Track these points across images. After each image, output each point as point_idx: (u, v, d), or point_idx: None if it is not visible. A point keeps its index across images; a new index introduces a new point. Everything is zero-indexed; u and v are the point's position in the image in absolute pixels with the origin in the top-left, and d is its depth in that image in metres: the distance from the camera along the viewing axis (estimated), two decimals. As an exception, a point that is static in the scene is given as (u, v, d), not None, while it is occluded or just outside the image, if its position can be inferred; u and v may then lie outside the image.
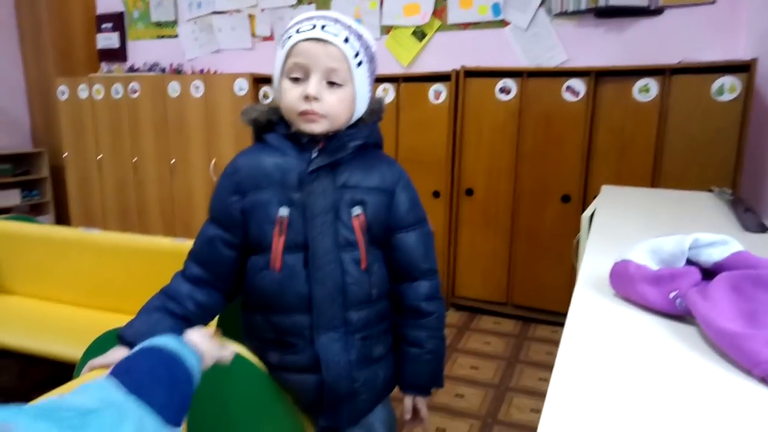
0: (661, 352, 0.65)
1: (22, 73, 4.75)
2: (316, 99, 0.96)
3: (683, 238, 0.80)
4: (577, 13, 3.15)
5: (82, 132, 4.27)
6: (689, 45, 2.95)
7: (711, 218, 1.48)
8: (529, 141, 3.00)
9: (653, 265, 0.81)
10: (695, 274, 0.74)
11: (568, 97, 2.87)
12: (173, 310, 1.00)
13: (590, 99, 2.82)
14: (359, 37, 0.99)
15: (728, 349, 0.61)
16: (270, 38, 4.09)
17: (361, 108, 1.03)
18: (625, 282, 0.82)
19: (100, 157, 4.24)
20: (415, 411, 1.14)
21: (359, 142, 1.02)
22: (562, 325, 0.74)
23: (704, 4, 2.92)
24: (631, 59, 3.01)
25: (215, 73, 4.13)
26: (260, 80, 3.70)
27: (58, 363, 1.95)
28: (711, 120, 2.62)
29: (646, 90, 2.72)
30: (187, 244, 1.99)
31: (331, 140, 1.01)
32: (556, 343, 0.71)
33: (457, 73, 3.10)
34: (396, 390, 1.16)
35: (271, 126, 1.04)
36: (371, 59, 1.03)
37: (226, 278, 1.05)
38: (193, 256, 1.06)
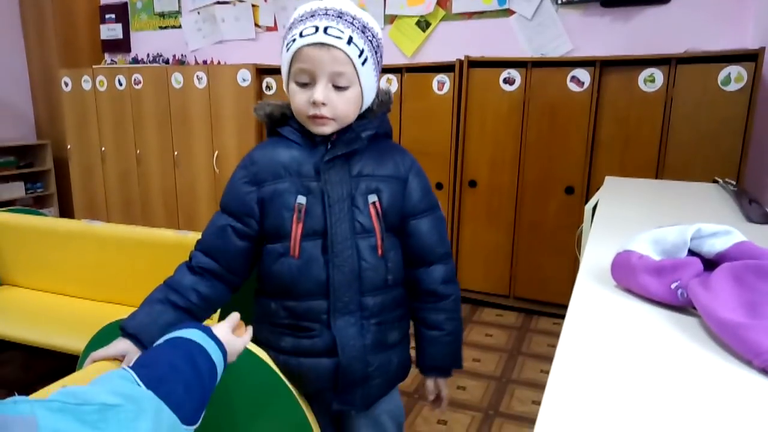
0: (663, 343, 0.65)
1: (26, 64, 4.75)
2: (324, 104, 0.97)
3: (685, 229, 0.79)
4: (583, 2, 3.13)
5: (86, 124, 4.27)
6: (696, 34, 2.92)
7: (715, 209, 1.47)
8: (533, 132, 2.98)
9: (655, 256, 0.80)
10: (697, 265, 0.73)
11: (572, 87, 2.85)
12: (176, 302, 1.00)
13: (595, 89, 2.79)
14: (363, 29, 0.98)
15: (729, 340, 0.61)
16: (273, 28, 4.07)
17: (368, 99, 1.04)
18: (626, 273, 0.81)
19: (103, 149, 4.24)
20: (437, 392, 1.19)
21: (371, 132, 1.05)
22: (564, 317, 0.73)
23: (711, -7, 2.88)
24: (637, 49, 2.98)
25: (218, 63, 4.12)
26: (263, 71, 3.69)
27: (61, 355, 1.96)
28: (717, 110, 2.59)
29: (652, 80, 2.69)
30: (190, 236, 2.01)
31: (344, 132, 1.03)
32: (558, 335, 0.70)
33: (461, 63, 3.08)
34: (402, 383, 1.18)
35: (285, 120, 1.06)
36: (377, 50, 1.02)
37: (233, 269, 1.06)
38: (202, 245, 1.06)
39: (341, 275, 1.00)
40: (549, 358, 2.58)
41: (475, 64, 3.06)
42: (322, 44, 0.94)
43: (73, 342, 1.93)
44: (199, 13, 4.31)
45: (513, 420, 2.10)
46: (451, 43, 3.50)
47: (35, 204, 4.68)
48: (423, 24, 3.59)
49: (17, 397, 0.56)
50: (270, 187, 1.02)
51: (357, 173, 1.03)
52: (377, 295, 1.05)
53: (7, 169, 4.50)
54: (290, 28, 0.99)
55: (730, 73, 2.54)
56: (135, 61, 4.49)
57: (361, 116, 1.05)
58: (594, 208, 1.52)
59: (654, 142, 2.73)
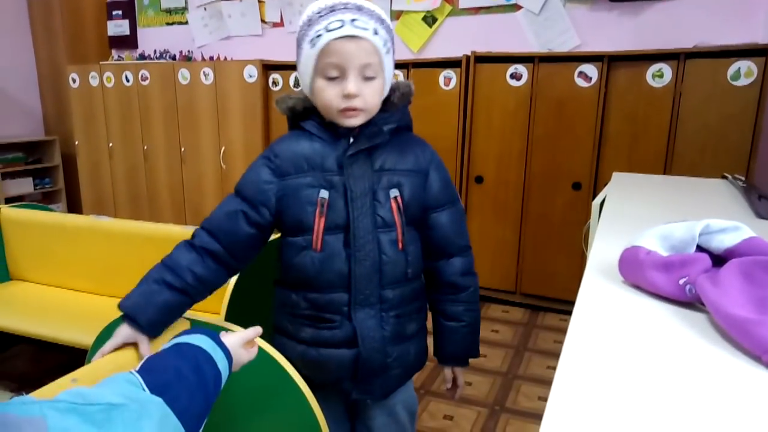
0: (670, 340, 0.64)
1: (34, 61, 4.77)
2: (357, 96, 0.97)
3: (694, 224, 0.78)
4: (590, -3, 3.10)
5: (93, 120, 4.29)
6: (705, 29, 2.89)
7: (723, 205, 1.46)
8: (540, 128, 2.96)
9: (663, 252, 0.79)
10: (705, 261, 0.73)
11: (580, 82, 2.83)
12: (171, 283, 1.00)
13: (603, 84, 2.78)
14: (382, 21, 1.00)
15: (738, 336, 0.60)
16: (280, 24, 4.07)
17: (387, 89, 1.05)
18: (634, 268, 0.80)
19: (110, 145, 4.26)
20: (454, 380, 1.22)
21: (393, 125, 1.06)
22: (571, 313, 0.73)
23: (721, -13, 2.85)
24: (645, 44, 2.95)
25: (225, 59, 4.12)
26: (270, 67, 3.69)
27: (70, 349, 1.98)
28: (726, 105, 2.57)
29: (660, 75, 2.67)
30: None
31: (366, 126, 1.03)
32: (564, 331, 0.70)
33: (468, 58, 3.07)
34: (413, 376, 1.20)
35: (307, 114, 1.06)
36: (392, 40, 1.05)
37: (236, 253, 1.05)
38: (209, 224, 1.06)
39: (362, 269, 1.02)
40: (555, 354, 2.57)
41: (481, 59, 3.05)
42: (352, 36, 0.95)
43: (81, 336, 1.94)
44: (205, 9, 4.31)
45: (519, 416, 2.10)
46: (457, 38, 3.48)
47: (43, 200, 4.71)
48: (429, 19, 3.58)
49: (25, 397, 0.57)
50: (292, 180, 1.03)
51: (379, 167, 1.04)
52: (397, 288, 1.06)
53: (15, 165, 4.53)
54: (309, 25, 0.98)
55: (740, 68, 2.52)
56: (142, 57, 4.50)
57: (382, 109, 1.06)
58: (601, 204, 1.51)
59: (662, 138, 2.71)
